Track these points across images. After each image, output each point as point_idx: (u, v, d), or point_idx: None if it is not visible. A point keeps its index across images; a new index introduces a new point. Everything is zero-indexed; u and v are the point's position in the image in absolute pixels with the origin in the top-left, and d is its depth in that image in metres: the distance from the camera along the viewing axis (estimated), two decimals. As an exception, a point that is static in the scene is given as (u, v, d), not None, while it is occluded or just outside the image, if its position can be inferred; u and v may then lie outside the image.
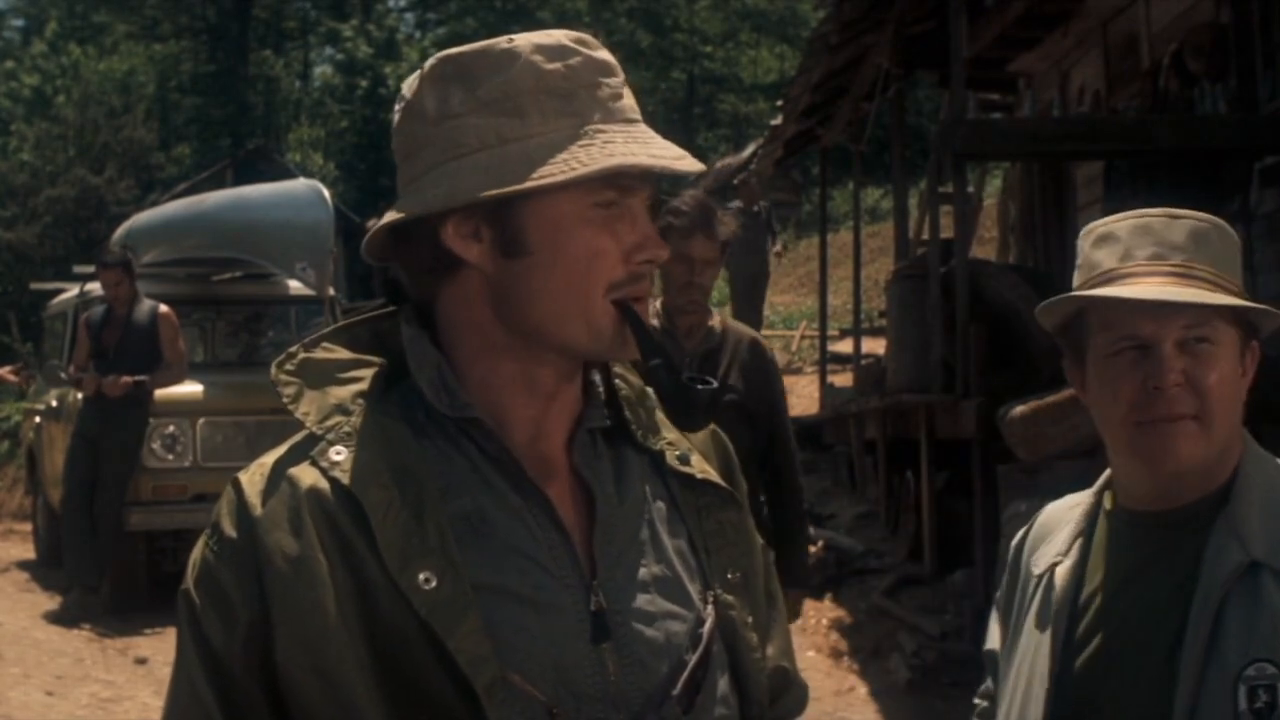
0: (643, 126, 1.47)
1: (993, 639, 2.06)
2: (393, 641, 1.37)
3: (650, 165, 1.42)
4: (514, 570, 1.42)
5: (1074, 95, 10.92)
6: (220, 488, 1.49)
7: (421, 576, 1.36)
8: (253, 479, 1.44)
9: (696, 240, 3.97)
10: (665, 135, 1.49)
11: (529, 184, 1.41)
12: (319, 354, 1.49)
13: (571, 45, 1.46)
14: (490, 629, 1.37)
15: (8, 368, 9.98)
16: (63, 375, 9.78)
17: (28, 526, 12.91)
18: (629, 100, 1.48)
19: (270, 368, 1.49)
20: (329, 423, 1.44)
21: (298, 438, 1.46)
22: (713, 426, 1.67)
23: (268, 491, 1.42)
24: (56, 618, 9.24)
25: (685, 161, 1.45)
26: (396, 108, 1.51)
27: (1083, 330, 1.88)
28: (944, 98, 11.32)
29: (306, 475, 1.41)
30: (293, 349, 1.50)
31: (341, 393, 1.46)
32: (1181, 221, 1.85)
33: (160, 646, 8.35)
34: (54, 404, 10.60)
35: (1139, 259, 1.83)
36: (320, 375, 1.47)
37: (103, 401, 9.07)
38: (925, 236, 10.16)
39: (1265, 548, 1.75)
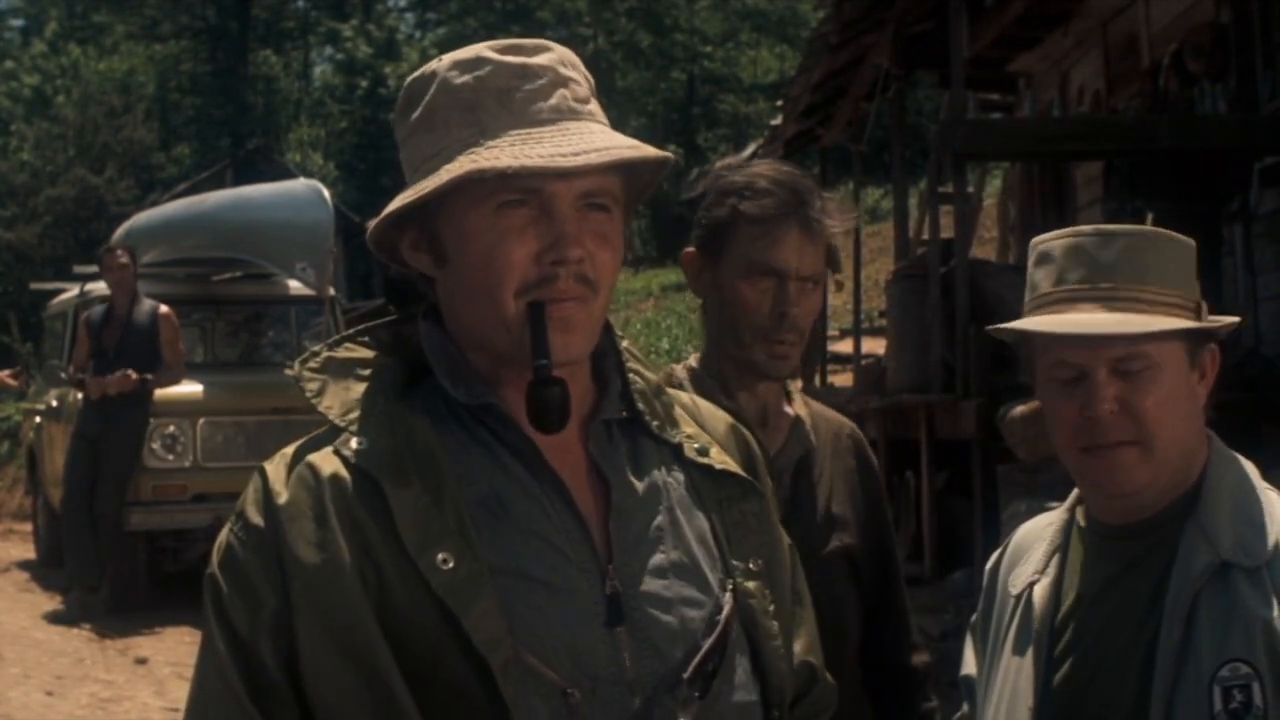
0: (568, 125, 1.46)
1: (968, 665, 2.05)
2: (408, 623, 1.39)
3: (506, 168, 1.40)
4: (531, 553, 1.44)
5: (1074, 95, 10.92)
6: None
7: (440, 557, 1.40)
8: (277, 468, 1.48)
9: (788, 239, 2.27)
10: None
11: (396, 204, 1.47)
12: (341, 353, 1.54)
13: (488, 56, 1.49)
14: (506, 610, 1.40)
15: (7, 371, 9.94)
16: (63, 375, 9.78)
17: (28, 526, 12.92)
18: (557, 100, 1.47)
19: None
20: (351, 415, 1.48)
21: (321, 430, 1.50)
22: (733, 420, 1.69)
23: (291, 480, 1.46)
24: (56, 618, 9.24)
25: (585, 157, 1.42)
26: None
27: (1033, 348, 1.87)
28: (944, 98, 11.31)
29: (328, 463, 1.45)
30: (316, 348, 1.55)
31: (363, 388, 1.51)
32: (1116, 240, 1.82)
33: (160, 646, 8.35)
34: (54, 404, 10.61)
35: (1070, 283, 1.81)
36: (343, 372, 1.52)
37: (103, 401, 9.07)
38: (925, 236, 10.16)
39: (1234, 547, 1.75)
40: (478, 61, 1.49)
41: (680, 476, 1.56)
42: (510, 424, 1.49)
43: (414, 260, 1.51)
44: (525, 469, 1.47)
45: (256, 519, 1.45)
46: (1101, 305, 1.78)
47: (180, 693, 7.29)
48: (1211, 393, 1.86)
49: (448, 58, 1.51)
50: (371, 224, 1.50)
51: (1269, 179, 7.73)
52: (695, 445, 1.58)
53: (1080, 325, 1.77)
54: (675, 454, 1.57)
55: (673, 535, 1.52)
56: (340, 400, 1.50)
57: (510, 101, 1.47)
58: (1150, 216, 7.29)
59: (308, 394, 1.50)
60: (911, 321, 8.11)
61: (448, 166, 1.44)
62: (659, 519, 1.52)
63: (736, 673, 1.51)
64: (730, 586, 1.53)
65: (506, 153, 1.42)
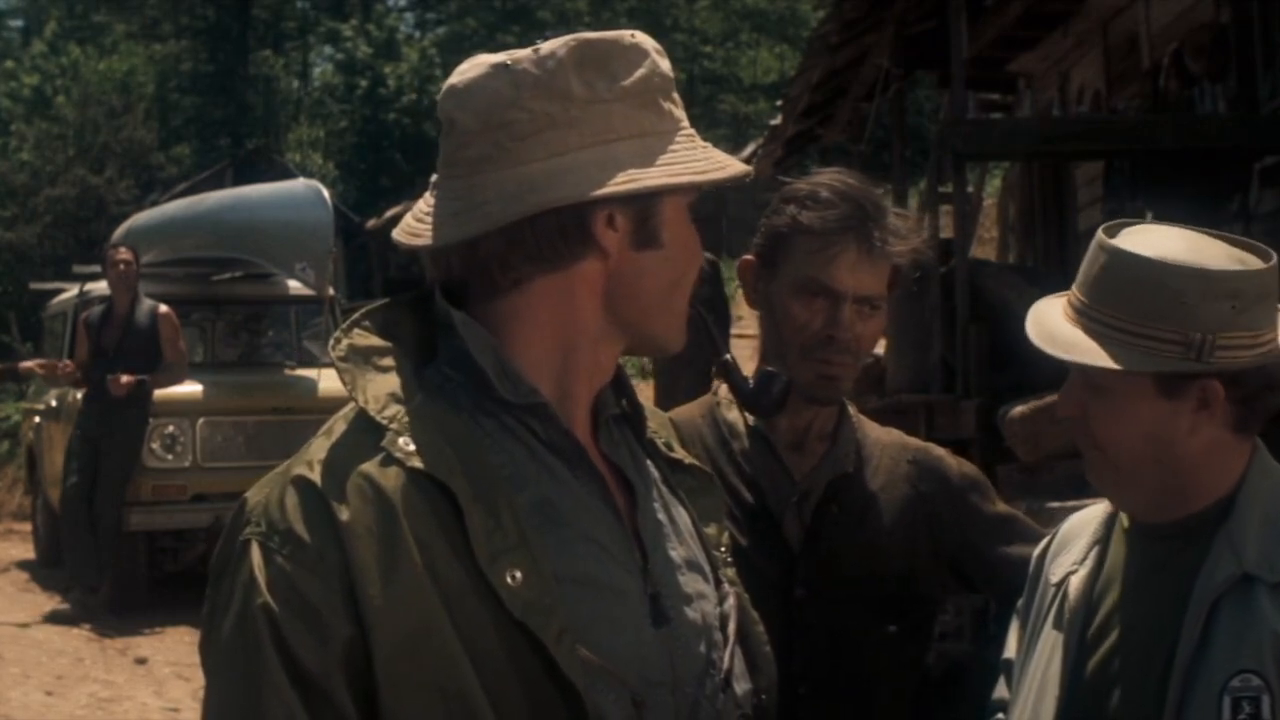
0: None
1: (1010, 648, 2.06)
2: (483, 644, 1.32)
3: (749, 171, 1.50)
4: (590, 558, 1.41)
5: (1074, 95, 10.91)
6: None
7: (508, 574, 1.33)
8: (325, 480, 1.34)
9: (845, 257, 2.12)
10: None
11: (708, 176, 1.43)
12: (358, 339, 1.45)
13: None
14: (577, 621, 1.36)
15: (65, 362, 9.86)
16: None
17: (28, 526, 12.91)
18: None
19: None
20: (388, 412, 1.38)
21: (342, 429, 1.40)
22: (663, 413, 1.71)
23: (348, 493, 1.33)
24: (57, 618, 9.24)
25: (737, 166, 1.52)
26: (498, 83, 1.43)
27: None
28: (944, 98, 11.31)
29: (389, 474, 1.34)
30: (337, 333, 1.46)
31: (389, 380, 1.41)
32: (1117, 260, 1.78)
33: (160, 646, 8.35)
34: (54, 404, 10.61)
35: (1075, 282, 1.85)
36: (363, 360, 1.43)
37: (103, 401, 9.07)
38: (925, 236, 10.16)
39: (1258, 560, 1.74)
40: (663, 54, 1.48)
41: (656, 470, 1.56)
42: (555, 423, 1.43)
43: (603, 236, 1.42)
44: (568, 469, 1.43)
45: (309, 537, 1.32)
46: (1075, 318, 1.82)
47: (180, 692, 7.31)
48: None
49: (643, 39, 1.46)
50: (630, 187, 1.40)
51: (1269, 179, 7.73)
52: (661, 439, 1.59)
53: (1049, 332, 1.83)
54: (651, 447, 1.57)
55: (674, 530, 1.52)
56: (374, 394, 1.39)
57: (679, 102, 1.50)
58: (1150, 216, 7.29)
59: (345, 385, 1.41)
60: (911, 321, 8.11)
61: (722, 158, 1.45)
62: (661, 514, 1.52)
63: (738, 662, 1.52)
64: (725, 578, 1.55)
65: (724, 153, 1.47)
